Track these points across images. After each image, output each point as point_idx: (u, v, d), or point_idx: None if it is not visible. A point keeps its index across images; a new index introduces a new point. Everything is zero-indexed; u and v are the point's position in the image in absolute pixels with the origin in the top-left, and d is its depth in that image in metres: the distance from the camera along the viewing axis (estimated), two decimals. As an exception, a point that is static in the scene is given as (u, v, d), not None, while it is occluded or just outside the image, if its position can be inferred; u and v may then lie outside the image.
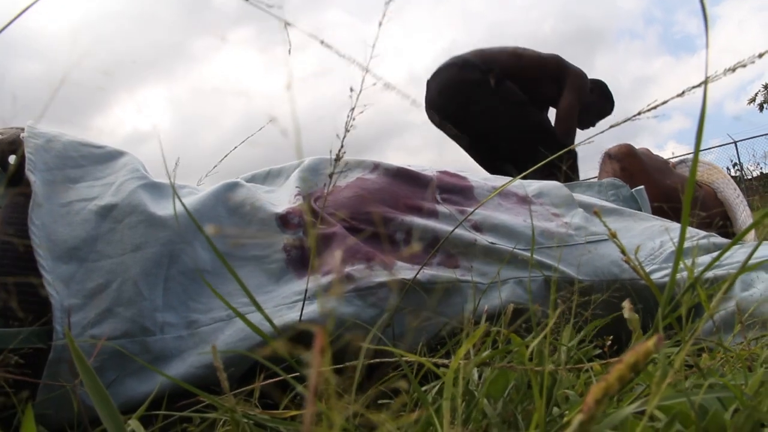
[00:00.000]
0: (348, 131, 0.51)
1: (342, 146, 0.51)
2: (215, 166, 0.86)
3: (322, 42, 0.46)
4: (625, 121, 0.51)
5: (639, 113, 0.48)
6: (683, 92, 0.44)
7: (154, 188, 0.75)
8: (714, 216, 1.32)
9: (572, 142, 2.56)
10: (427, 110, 2.74)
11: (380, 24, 0.50)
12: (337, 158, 0.51)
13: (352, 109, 0.51)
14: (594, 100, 2.81)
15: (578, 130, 2.74)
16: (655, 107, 0.47)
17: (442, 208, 0.89)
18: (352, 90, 0.50)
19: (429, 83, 2.69)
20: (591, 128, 2.89)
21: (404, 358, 0.47)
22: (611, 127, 0.53)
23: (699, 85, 0.42)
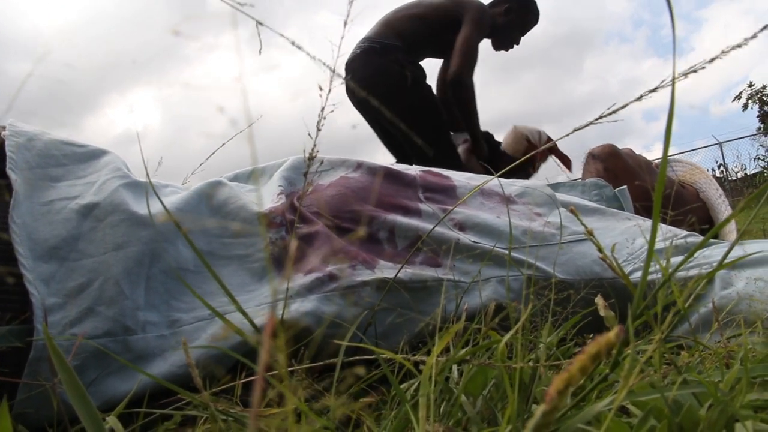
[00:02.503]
0: (320, 130, 0.51)
1: (315, 145, 0.52)
2: (201, 164, 0.86)
3: (293, 43, 0.46)
4: (585, 126, 0.52)
5: (600, 117, 0.49)
6: (641, 96, 0.44)
7: (137, 187, 0.75)
8: (688, 213, 1.33)
9: (469, 76, 2.54)
10: (347, 93, 2.69)
11: (345, 23, 0.50)
12: (311, 157, 0.52)
13: (323, 108, 0.52)
14: (511, 19, 2.76)
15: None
16: (614, 111, 0.48)
17: (426, 207, 0.89)
18: (321, 89, 0.50)
19: (348, 67, 2.65)
20: (516, 45, 2.87)
21: (383, 356, 0.47)
22: (568, 134, 0.53)
23: (655, 89, 0.42)
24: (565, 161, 2.52)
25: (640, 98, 0.50)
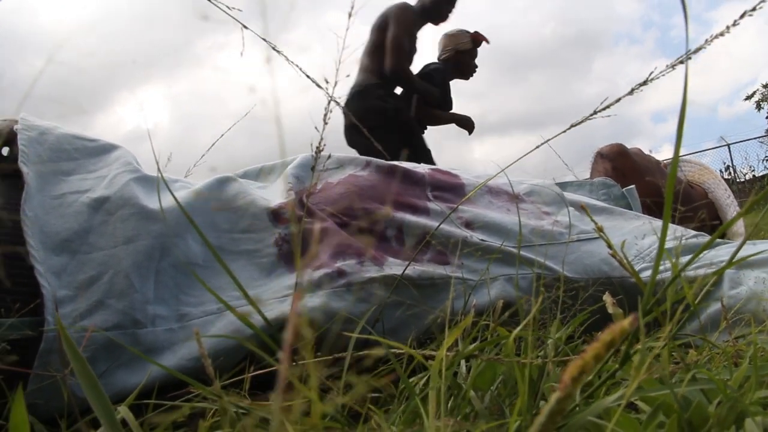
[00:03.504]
0: (326, 124, 0.52)
1: (322, 138, 0.52)
2: (203, 156, 0.87)
3: (274, 47, 0.47)
4: (581, 122, 0.52)
5: (594, 112, 0.49)
6: (632, 90, 0.45)
7: (147, 181, 0.75)
8: (697, 209, 1.33)
9: (401, 66, 2.98)
10: (345, 135, 3.20)
11: (350, 15, 0.50)
12: (318, 151, 0.52)
13: (329, 101, 0.52)
14: (432, 3, 3.14)
15: None
16: (608, 106, 0.48)
17: (434, 205, 0.89)
18: (327, 82, 0.51)
19: (346, 109, 3.04)
20: (449, 16, 3.24)
21: (393, 350, 0.47)
22: (565, 130, 0.54)
23: (645, 83, 0.42)
24: (485, 39, 3.36)
25: (631, 92, 0.51)
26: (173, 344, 0.66)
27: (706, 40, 0.41)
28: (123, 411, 0.40)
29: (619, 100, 0.49)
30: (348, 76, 0.54)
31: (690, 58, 0.36)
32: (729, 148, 14.61)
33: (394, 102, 3.07)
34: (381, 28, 3.02)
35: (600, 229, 0.48)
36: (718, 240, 0.96)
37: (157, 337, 0.65)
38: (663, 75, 0.44)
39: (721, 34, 0.41)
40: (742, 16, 0.40)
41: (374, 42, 3.04)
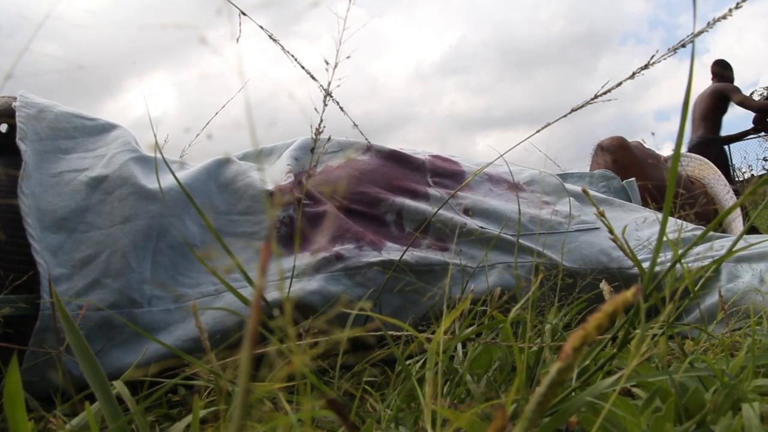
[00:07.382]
0: (326, 105, 0.51)
1: (321, 120, 0.52)
2: (197, 135, 0.86)
3: (270, 36, 0.47)
4: (582, 106, 0.52)
5: (595, 96, 0.50)
6: (633, 74, 0.45)
7: (146, 162, 0.75)
8: (697, 197, 1.33)
9: (754, 108, 4.51)
10: None
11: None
12: (317, 132, 0.52)
13: (329, 82, 0.51)
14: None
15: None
16: (609, 90, 0.49)
17: (434, 191, 0.89)
18: (327, 63, 0.50)
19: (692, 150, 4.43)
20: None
21: (391, 333, 0.47)
22: (565, 115, 0.54)
23: (646, 66, 0.43)
24: None
25: (632, 76, 0.52)
26: (169, 325, 0.66)
27: (708, 23, 0.41)
28: (118, 386, 0.40)
29: (620, 83, 0.49)
30: (348, 57, 0.54)
31: (694, 41, 0.36)
32: (729, 147, 14.58)
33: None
34: (714, 94, 4.39)
35: (602, 214, 0.48)
36: (717, 234, 0.96)
37: (153, 318, 0.65)
38: (664, 59, 0.44)
39: (724, 17, 0.41)
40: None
41: (711, 103, 4.41)
